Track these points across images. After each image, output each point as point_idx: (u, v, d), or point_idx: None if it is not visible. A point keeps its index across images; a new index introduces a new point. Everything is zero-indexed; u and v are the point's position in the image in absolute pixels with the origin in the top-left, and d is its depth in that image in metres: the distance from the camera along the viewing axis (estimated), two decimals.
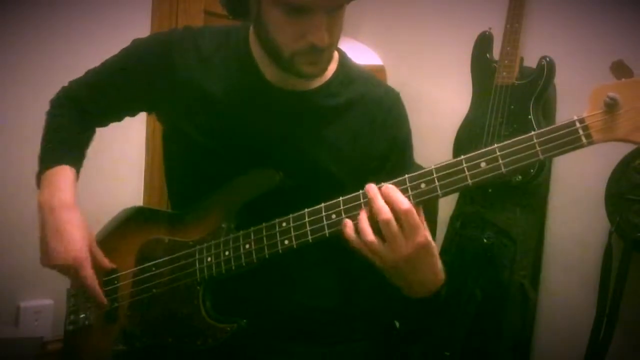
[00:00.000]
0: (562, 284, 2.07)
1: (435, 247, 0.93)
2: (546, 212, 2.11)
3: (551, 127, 0.84)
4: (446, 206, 2.20)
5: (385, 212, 0.87)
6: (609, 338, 1.77)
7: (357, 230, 0.90)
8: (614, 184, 1.78)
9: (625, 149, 1.76)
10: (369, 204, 0.90)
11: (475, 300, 2.06)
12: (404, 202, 0.87)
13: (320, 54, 0.98)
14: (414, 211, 0.87)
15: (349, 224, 0.91)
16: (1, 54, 1.91)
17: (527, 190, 2.04)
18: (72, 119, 1.21)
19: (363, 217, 0.90)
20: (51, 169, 1.12)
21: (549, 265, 2.10)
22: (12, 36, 1.92)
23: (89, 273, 1.07)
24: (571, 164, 2.03)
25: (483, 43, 2.14)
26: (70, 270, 1.07)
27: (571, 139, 0.83)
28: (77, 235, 1.07)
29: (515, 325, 2.03)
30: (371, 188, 0.90)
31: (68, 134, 1.19)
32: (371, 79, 1.17)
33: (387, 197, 0.89)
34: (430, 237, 0.90)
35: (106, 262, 1.13)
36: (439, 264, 0.95)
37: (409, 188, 0.90)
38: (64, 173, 1.12)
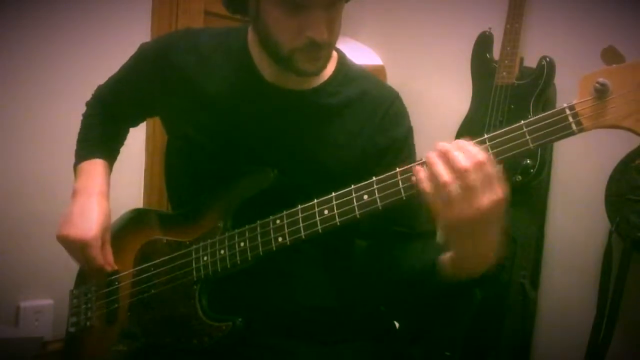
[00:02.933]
0: (562, 284, 2.07)
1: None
2: (546, 212, 2.11)
3: (541, 115, 0.82)
4: None
5: (462, 160, 0.80)
6: (609, 338, 1.77)
7: (431, 174, 0.83)
8: (614, 184, 1.78)
9: (624, 149, 1.76)
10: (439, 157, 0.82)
11: (475, 300, 2.05)
12: (479, 153, 0.80)
13: (319, 50, 0.98)
14: (489, 163, 0.80)
15: (420, 169, 0.84)
16: (1, 54, 1.91)
17: (527, 190, 2.04)
18: (101, 119, 1.29)
19: (436, 160, 0.82)
20: (86, 161, 1.22)
21: (549, 265, 2.10)
22: (12, 36, 1.92)
23: (95, 251, 1.10)
24: (571, 164, 2.03)
25: (483, 43, 2.14)
26: (77, 245, 1.10)
27: (561, 127, 0.81)
28: (96, 220, 1.12)
29: (515, 325, 2.03)
30: (442, 144, 0.84)
31: (99, 132, 1.27)
32: (370, 78, 1.17)
33: (460, 148, 0.82)
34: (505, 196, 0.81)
35: (111, 261, 1.14)
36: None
37: (400, 181, 0.89)
38: (98, 164, 1.22)
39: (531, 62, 2.03)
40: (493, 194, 0.80)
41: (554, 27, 2.09)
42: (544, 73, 1.96)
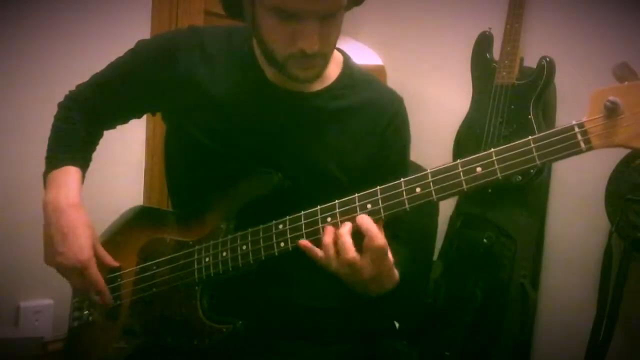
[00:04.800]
0: (562, 284, 2.07)
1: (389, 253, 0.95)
2: (546, 212, 2.11)
3: (549, 131, 0.81)
4: (446, 206, 2.20)
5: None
6: (609, 338, 1.77)
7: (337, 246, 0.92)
8: (614, 184, 1.78)
9: (625, 149, 1.76)
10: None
11: (475, 300, 2.06)
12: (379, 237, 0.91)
13: (312, 59, 0.97)
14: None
15: (329, 230, 0.94)
16: (1, 54, 1.91)
17: (527, 190, 2.04)
18: (78, 121, 1.21)
19: (345, 231, 0.92)
20: (57, 169, 1.13)
21: (549, 265, 2.10)
22: (12, 37, 1.92)
23: (94, 273, 1.07)
24: (571, 164, 2.00)
25: (483, 43, 2.14)
26: (75, 271, 1.07)
27: (569, 144, 0.79)
28: (82, 237, 1.07)
29: (515, 325, 2.03)
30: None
31: (74, 136, 1.19)
32: (375, 83, 1.17)
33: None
34: (386, 244, 0.92)
35: (110, 260, 1.13)
36: (395, 270, 0.97)
37: (404, 192, 0.89)
38: (69, 173, 1.13)
39: (531, 62, 2.02)
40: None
41: (554, 27, 2.09)
42: (544, 73, 1.96)
